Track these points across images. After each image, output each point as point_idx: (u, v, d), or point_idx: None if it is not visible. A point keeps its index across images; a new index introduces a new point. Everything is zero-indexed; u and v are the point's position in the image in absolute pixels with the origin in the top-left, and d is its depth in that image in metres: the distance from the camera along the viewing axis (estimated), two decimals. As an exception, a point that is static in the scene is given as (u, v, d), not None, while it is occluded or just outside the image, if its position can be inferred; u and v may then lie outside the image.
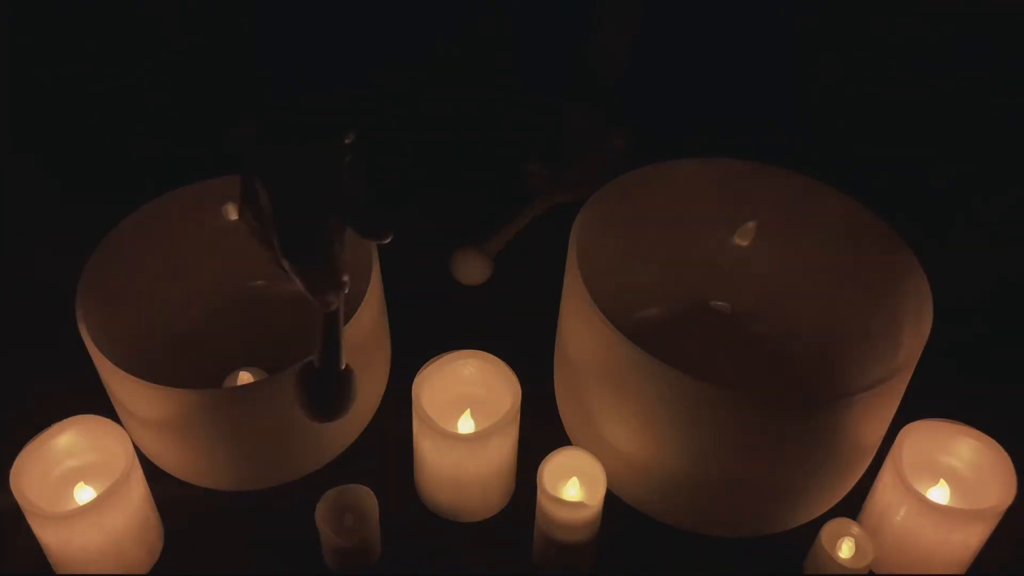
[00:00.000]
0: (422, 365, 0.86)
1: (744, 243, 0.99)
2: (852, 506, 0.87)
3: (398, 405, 0.90)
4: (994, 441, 0.83)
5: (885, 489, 0.84)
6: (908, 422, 0.84)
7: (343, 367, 0.76)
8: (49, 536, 0.80)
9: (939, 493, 0.84)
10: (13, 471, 0.78)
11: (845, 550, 0.81)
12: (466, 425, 0.86)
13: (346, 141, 0.74)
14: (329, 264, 0.73)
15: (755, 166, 0.94)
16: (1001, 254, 1.13)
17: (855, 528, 0.82)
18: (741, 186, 0.95)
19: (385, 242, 0.74)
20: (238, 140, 0.76)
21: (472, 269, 1.04)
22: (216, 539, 0.88)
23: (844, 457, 0.83)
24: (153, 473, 0.87)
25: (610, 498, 0.83)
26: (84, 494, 0.81)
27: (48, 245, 1.08)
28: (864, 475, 0.87)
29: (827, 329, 0.96)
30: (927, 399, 0.86)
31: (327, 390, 0.76)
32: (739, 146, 0.96)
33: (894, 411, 0.84)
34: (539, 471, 0.81)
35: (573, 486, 0.83)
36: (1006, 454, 0.82)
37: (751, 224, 0.97)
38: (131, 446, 0.81)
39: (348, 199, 0.74)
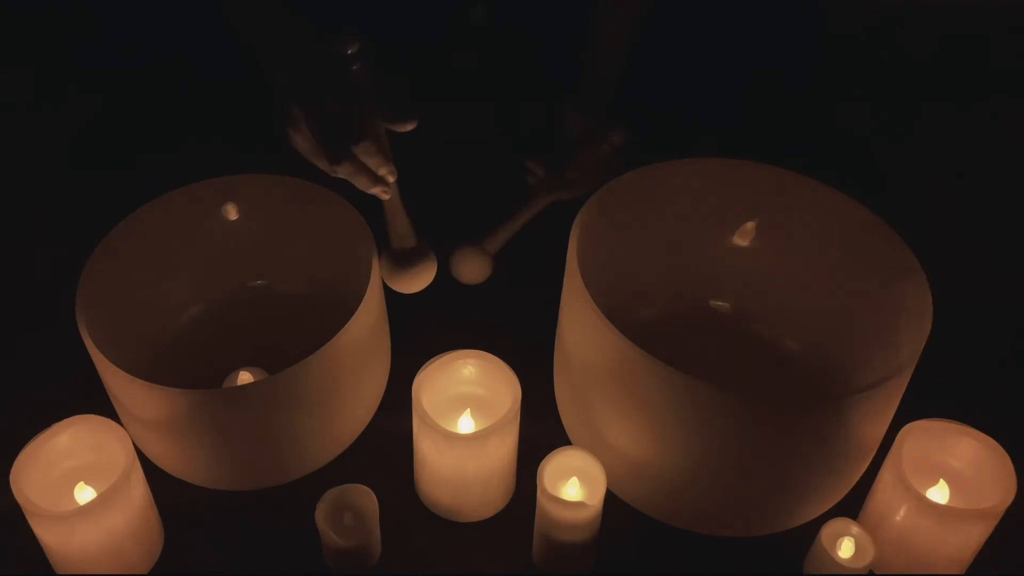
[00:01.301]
0: (422, 365, 0.86)
1: (744, 243, 0.99)
2: (852, 506, 0.87)
3: (398, 405, 0.90)
4: (994, 441, 0.83)
5: (885, 489, 0.84)
6: (908, 422, 0.84)
7: (414, 244, 0.87)
8: (49, 536, 0.80)
9: (939, 493, 0.84)
10: (13, 471, 0.78)
11: (845, 550, 0.81)
12: (466, 425, 0.86)
13: (349, 52, 0.82)
14: (372, 161, 0.83)
15: (755, 166, 0.94)
16: (1001, 254, 1.14)
17: (855, 528, 0.82)
18: (741, 186, 0.95)
19: (411, 127, 0.83)
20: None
21: (472, 268, 1.04)
22: (216, 539, 0.88)
23: (844, 457, 0.83)
24: (153, 473, 0.87)
25: (610, 498, 0.83)
26: (84, 494, 0.81)
27: (48, 245, 1.08)
28: (864, 475, 0.87)
29: (827, 329, 0.96)
30: (927, 399, 0.86)
31: (403, 264, 0.87)
32: (739, 146, 0.96)
33: (894, 411, 0.84)
34: (539, 471, 0.81)
35: (573, 486, 0.83)
36: (1006, 454, 0.82)
37: (751, 224, 0.97)
38: (131, 446, 0.81)
39: (373, 98, 0.83)
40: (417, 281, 0.88)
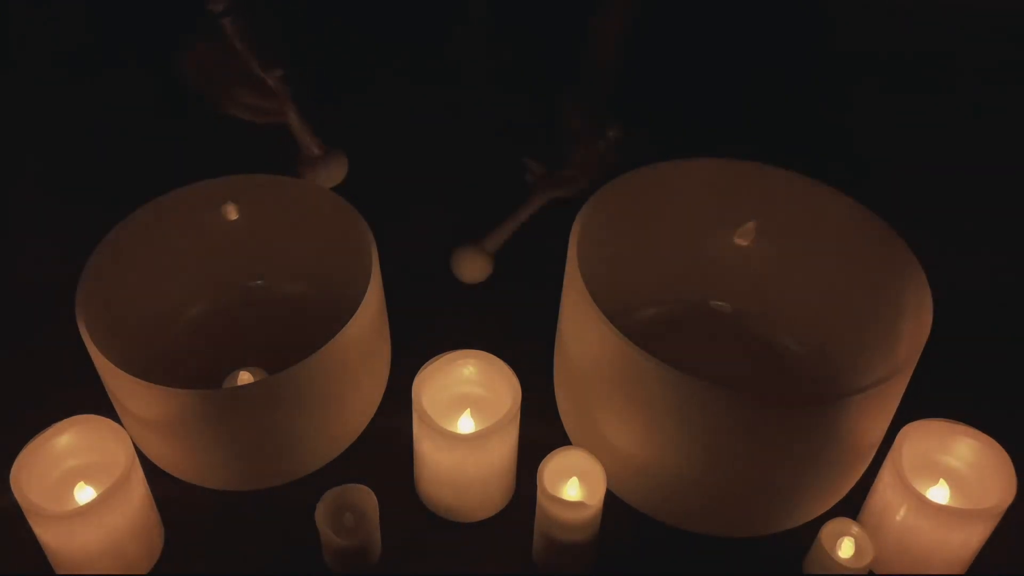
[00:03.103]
0: (422, 365, 0.86)
1: (744, 243, 0.99)
2: (852, 506, 0.87)
3: (398, 405, 0.90)
4: (994, 441, 0.83)
5: (885, 489, 0.84)
6: (908, 422, 0.84)
7: (319, 152, 1.00)
8: (49, 536, 0.80)
9: (939, 493, 0.84)
10: (13, 471, 0.78)
11: (845, 550, 0.81)
12: (466, 425, 0.86)
13: (220, 9, 0.95)
14: (253, 99, 0.99)
15: (755, 166, 0.94)
16: (1001, 253, 1.14)
17: (855, 528, 0.82)
18: (741, 186, 0.95)
19: (278, 73, 0.96)
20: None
21: (472, 267, 1.04)
22: (216, 539, 0.88)
23: (844, 457, 0.83)
24: (153, 473, 0.87)
25: (610, 498, 0.83)
26: (84, 494, 0.81)
27: (48, 245, 1.08)
28: (864, 475, 0.87)
29: (827, 329, 0.96)
30: (927, 399, 0.86)
31: (315, 168, 1.00)
32: (739, 146, 0.96)
33: (894, 411, 0.84)
34: (539, 471, 0.81)
35: (573, 486, 0.83)
36: (1006, 454, 0.82)
37: (751, 224, 0.97)
38: (131, 446, 0.81)
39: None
40: (331, 179, 1.00)
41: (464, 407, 0.87)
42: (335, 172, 1.02)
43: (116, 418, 0.84)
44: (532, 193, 1.06)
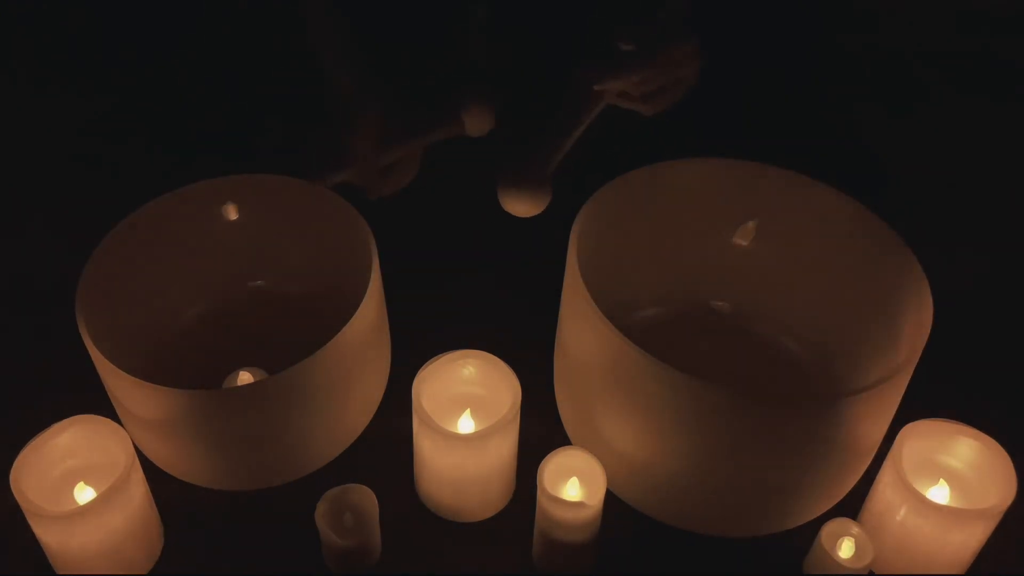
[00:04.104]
0: (422, 365, 0.86)
1: (744, 243, 0.99)
2: (852, 506, 0.87)
3: (398, 405, 0.90)
4: (994, 441, 0.83)
5: (885, 489, 0.84)
6: (908, 422, 0.84)
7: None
8: (49, 536, 0.80)
9: (939, 493, 0.84)
10: (13, 471, 0.78)
11: (845, 550, 0.81)
12: (466, 425, 0.86)
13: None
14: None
15: (755, 166, 0.94)
16: (1001, 253, 1.14)
17: (855, 528, 0.82)
18: (741, 186, 0.95)
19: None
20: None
21: (526, 200, 0.87)
22: (216, 539, 0.88)
23: (844, 457, 0.83)
24: (153, 473, 0.87)
25: (610, 498, 0.83)
26: (84, 494, 0.81)
27: (48, 244, 1.08)
28: (864, 475, 0.87)
29: (827, 329, 0.96)
30: (927, 399, 0.86)
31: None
32: (739, 146, 0.96)
33: (894, 411, 0.84)
34: (539, 471, 0.81)
35: (573, 486, 0.83)
36: (1006, 454, 0.82)
37: (751, 224, 0.97)
38: (131, 446, 0.81)
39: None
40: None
41: (464, 407, 0.87)
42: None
43: (116, 418, 0.84)
44: (589, 98, 0.90)
